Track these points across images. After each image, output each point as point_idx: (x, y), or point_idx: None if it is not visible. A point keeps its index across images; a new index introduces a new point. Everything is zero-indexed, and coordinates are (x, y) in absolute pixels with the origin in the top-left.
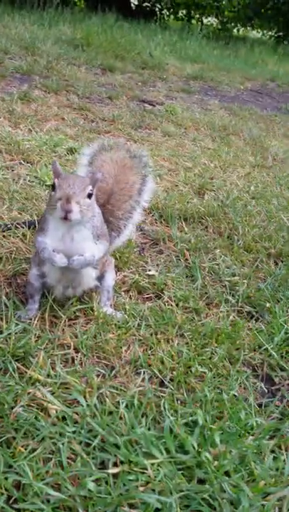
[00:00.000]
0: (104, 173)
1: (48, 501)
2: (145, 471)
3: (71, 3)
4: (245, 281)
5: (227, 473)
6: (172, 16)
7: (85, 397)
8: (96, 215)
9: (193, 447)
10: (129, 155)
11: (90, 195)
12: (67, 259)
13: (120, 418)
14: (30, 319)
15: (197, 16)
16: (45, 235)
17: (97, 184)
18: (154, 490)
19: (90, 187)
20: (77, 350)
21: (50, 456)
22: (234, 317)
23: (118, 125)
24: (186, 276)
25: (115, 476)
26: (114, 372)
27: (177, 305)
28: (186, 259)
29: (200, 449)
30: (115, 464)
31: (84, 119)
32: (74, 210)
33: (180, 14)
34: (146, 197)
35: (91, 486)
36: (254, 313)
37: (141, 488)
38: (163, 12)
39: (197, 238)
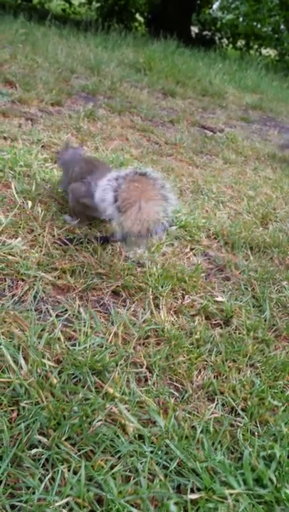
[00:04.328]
0: None
1: None
2: (224, 501)
3: (133, 28)
4: None
5: None
6: (231, 45)
7: (160, 417)
8: None
9: (272, 482)
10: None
11: None
12: None
13: (197, 443)
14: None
15: (256, 46)
16: None
17: None
18: None
19: None
20: (150, 370)
21: (130, 474)
22: None
23: (180, 149)
24: (254, 306)
25: (193, 502)
26: (187, 395)
27: (247, 334)
28: (253, 289)
29: (278, 485)
30: (192, 490)
31: (147, 140)
32: None
33: (239, 44)
34: None
35: (173, 509)
36: None
37: None
38: (222, 41)
39: (264, 268)
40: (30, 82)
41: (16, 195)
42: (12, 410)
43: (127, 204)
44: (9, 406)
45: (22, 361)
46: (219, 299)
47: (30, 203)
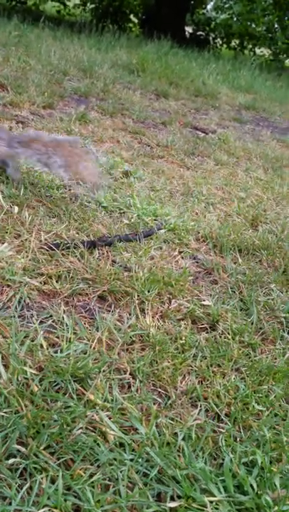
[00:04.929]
0: None
1: None
2: (204, 509)
3: (127, 29)
4: None
5: None
6: (225, 45)
7: (142, 425)
8: None
9: (253, 488)
10: None
11: None
12: None
13: (178, 450)
14: None
15: (250, 46)
16: None
17: None
18: None
19: None
20: (133, 376)
21: (109, 482)
22: None
23: (171, 151)
24: (241, 310)
25: (173, 510)
26: (170, 401)
27: (233, 338)
28: (241, 292)
29: (259, 491)
30: (172, 498)
31: (138, 142)
32: None
33: (233, 44)
34: None
35: None
36: None
37: None
38: (216, 41)
39: (252, 271)
40: (22, 85)
41: (2, 200)
42: None
43: None
44: None
45: (1, 369)
46: (206, 302)
47: (17, 208)
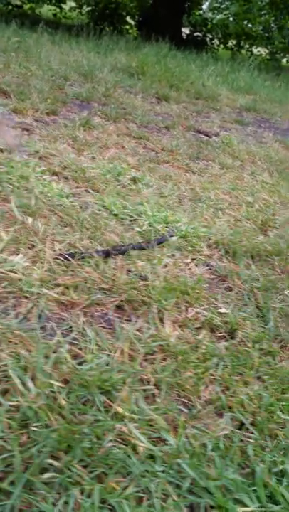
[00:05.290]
0: None
1: None
2: None
3: (124, 31)
4: None
5: None
6: (222, 46)
7: (170, 436)
8: None
9: (284, 498)
10: None
11: None
12: None
13: (208, 461)
14: None
15: (247, 46)
16: None
17: None
18: None
19: None
20: (157, 387)
21: (143, 495)
22: None
23: (176, 155)
24: (257, 317)
25: None
26: (195, 411)
27: (253, 346)
28: (256, 299)
29: None
30: (205, 509)
31: (143, 148)
32: None
33: (230, 44)
34: None
35: None
36: None
37: None
38: (213, 42)
39: (265, 277)
40: (24, 92)
41: (15, 210)
42: (22, 434)
43: None
44: (19, 429)
45: (30, 384)
46: (223, 310)
47: (30, 218)
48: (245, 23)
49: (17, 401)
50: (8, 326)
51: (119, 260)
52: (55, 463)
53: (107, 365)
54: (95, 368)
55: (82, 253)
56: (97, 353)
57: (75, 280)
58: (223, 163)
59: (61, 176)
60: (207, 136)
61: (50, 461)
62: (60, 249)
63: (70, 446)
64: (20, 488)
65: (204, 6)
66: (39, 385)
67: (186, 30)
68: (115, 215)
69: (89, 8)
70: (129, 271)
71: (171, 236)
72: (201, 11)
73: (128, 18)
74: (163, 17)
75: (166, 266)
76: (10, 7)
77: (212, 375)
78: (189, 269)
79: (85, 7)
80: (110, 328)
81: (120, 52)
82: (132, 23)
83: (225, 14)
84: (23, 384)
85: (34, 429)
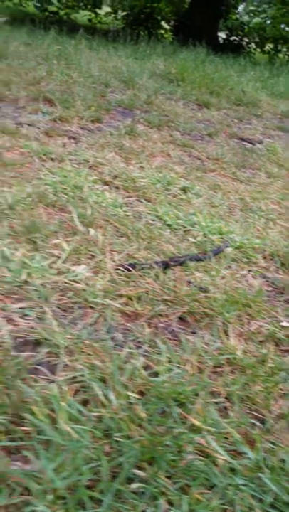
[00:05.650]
0: None
1: None
2: None
3: (159, 35)
4: None
5: None
6: (258, 50)
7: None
8: None
9: None
10: None
11: None
12: None
13: (286, 475)
14: None
15: (284, 49)
16: None
17: None
18: None
19: None
20: (229, 400)
21: (227, 507)
22: None
23: (222, 164)
24: None
25: None
26: (267, 425)
27: None
28: None
29: None
30: None
31: (188, 156)
32: None
33: (267, 48)
34: None
35: None
36: None
37: None
38: (250, 46)
39: None
40: (68, 100)
41: (76, 221)
42: (104, 444)
43: None
44: (101, 439)
45: (112, 395)
46: (285, 324)
47: (88, 228)
48: (283, 26)
49: (99, 412)
50: (79, 336)
51: (177, 271)
52: (141, 473)
53: (179, 377)
54: (168, 380)
55: (142, 264)
56: (168, 365)
57: (138, 291)
58: (270, 172)
59: (112, 185)
60: (251, 143)
61: (136, 471)
62: (119, 260)
63: (153, 457)
64: (110, 496)
65: (239, 8)
66: (117, 395)
67: (222, 35)
68: (169, 225)
69: (124, 13)
70: (189, 282)
71: (227, 247)
72: (237, 15)
73: (163, 23)
74: (200, 21)
75: (223, 277)
76: (46, 13)
77: (281, 389)
78: (246, 281)
79: (120, 12)
80: (175, 340)
81: (158, 57)
82: (167, 27)
83: (262, 18)
84: (105, 395)
85: (117, 439)
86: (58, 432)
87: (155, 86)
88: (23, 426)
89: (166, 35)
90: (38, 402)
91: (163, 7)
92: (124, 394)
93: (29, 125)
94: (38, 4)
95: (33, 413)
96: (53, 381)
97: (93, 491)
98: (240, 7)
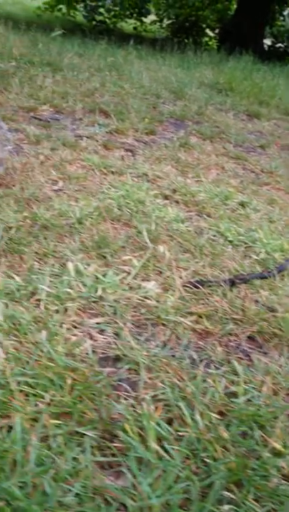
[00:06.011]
0: None
1: None
2: None
3: (204, 43)
4: None
5: None
6: None
7: None
8: None
9: None
10: None
11: None
12: None
13: None
14: None
15: None
16: None
17: None
18: None
19: None
20: None
21: None
22: None
23: (277, 177)
24: None
25: None
26: None
27: None
28: None
29: None
30: None
31: (243, 168)
32: None
33: None
34: None
35: None
36: None
37: None
38: None
39: None
40: (122, 111)
41: (145, 236)
42: (191, 463)
43: None
44: (188, 459)
45: (198, 417)
46: None
47: (159, 245)
48: None
49: (186, 431)
50: (155, 354)
51: (243, 289)
52: (230, 495)
53: (257, 399)
54: (247, 401)
55: (209, 281)
56: (246, 386)
57: (207, 309)
58: None
59: (172, 199)
60: None
61: (226, 493)
62: (186, 276)
63: (240, 479)
64: None
65: (285, 12)
66: (200, 415)
67: (267, 42)
68: (230, 241)
69: (169, 22)
70: (256, 301)
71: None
72: (283, 21)
73: (207, 30)
74: (246, 29)
75: (288, 296)
76: (94, 23)
77: None
78: None
79: (165, 20)
80: (247, 360)
81: (205, 67)
82: (211, 35)
83: None
84: (191, 416)
85: (203, 459)
86: (148, 449)
87: (205, 96)
88: (114, 442)
89: (210, 43)
90: (128, 420)
91: (208, 15)
92: (206, 414)
93: (87, 138)
94: (87, 14)
95: (124, 430)
96: (136, 398)
97: (185, 510)
98: (285, 12)
